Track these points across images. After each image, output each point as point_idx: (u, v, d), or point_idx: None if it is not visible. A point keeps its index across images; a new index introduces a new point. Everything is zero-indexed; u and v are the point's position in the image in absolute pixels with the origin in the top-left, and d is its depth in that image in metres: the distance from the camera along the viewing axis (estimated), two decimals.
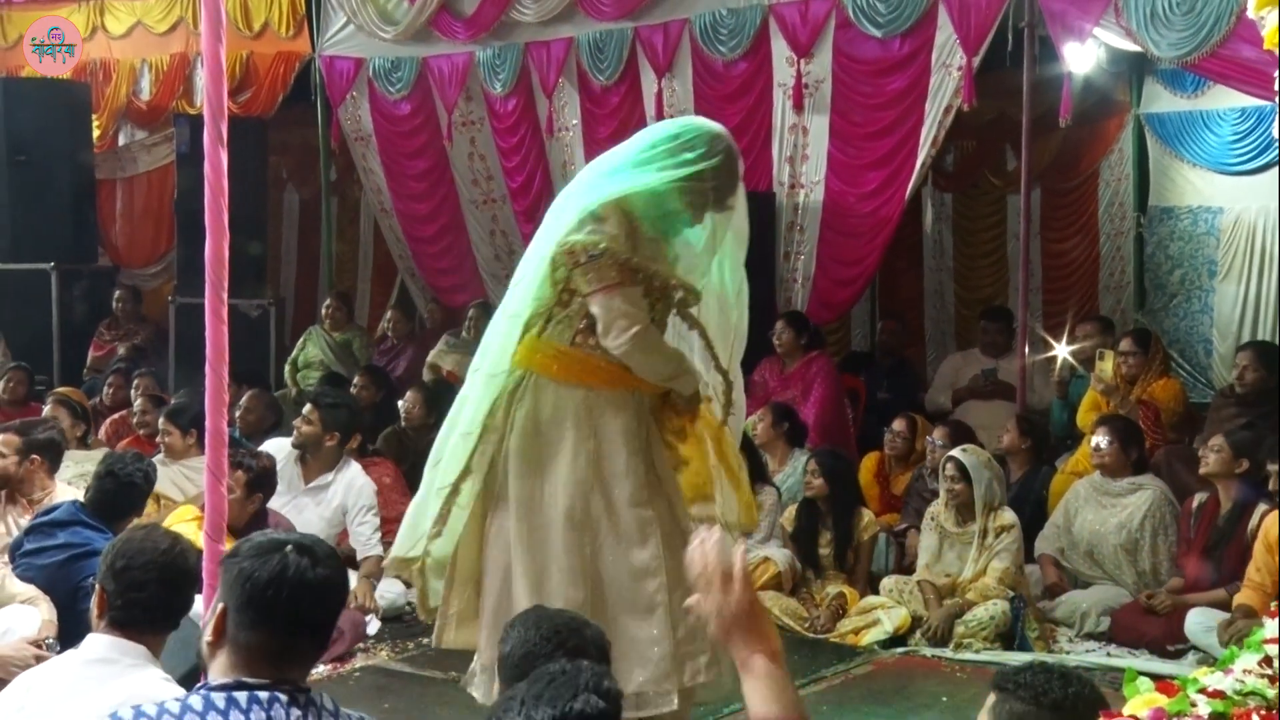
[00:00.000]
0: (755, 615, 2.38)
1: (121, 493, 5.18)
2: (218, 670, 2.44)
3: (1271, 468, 5.84)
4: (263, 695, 2.39)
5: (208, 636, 2.47)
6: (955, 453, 6.41)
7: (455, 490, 4.12)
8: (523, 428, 4.07)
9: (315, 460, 6.69)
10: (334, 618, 2.55)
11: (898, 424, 7.54)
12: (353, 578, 6.56)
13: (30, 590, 4.83)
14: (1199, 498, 6.32)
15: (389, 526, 7.06)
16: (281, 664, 2.44)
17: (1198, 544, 6.22)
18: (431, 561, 4.20)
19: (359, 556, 6.63)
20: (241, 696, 2.38)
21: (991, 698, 2.66)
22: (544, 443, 4.07)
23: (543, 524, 4.04)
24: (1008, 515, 6.34)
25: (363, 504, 6.58)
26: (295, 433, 6.74)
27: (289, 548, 2.46)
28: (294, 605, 2.42)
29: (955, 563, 6.42)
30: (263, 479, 6.05)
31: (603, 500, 4.05)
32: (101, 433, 8.18)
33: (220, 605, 2.45)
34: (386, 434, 8.19)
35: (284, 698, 2.40)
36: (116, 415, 8.29)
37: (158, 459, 6.91)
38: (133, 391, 8.56)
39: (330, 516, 6.59)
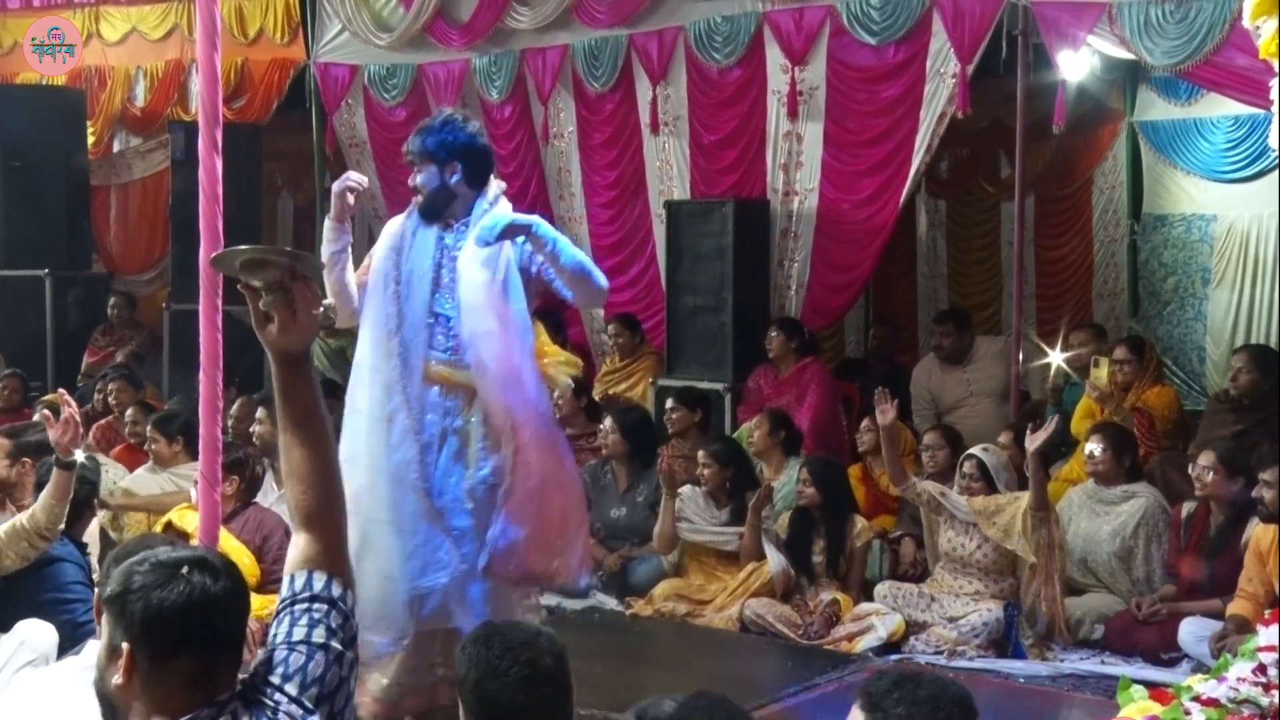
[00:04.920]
0: None
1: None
2: (139, 714, 2.32)
3: (1265, 476, 5.79)
4: (204, 713, 2.29)
5: (118, 679, 2.33)
6: (976, 451, 6.41)
7: None
8: None
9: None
10: (245, 628, 2.44)
11: (866, 421, 7.48)
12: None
13: None
14: (1188, 506, 6.30)
15: None
16: (206, 687, 2.32)
17: (1189, 552, 6.21)
18: None
19: None
20: None
21: (861, 716, 2.52)
22: None
23: None
24: None
25: None
26: (256, 438, 6.74)
27: (185, 569, 2.34)
28: (208, 628, 2.32)
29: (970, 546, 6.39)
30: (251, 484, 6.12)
31: None
32: (90, 437, 8.15)
33: (125, 647, 2.31)
34: None
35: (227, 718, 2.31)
36: (104, 420, 8.25)
37: (146, 467, 6.92)
38: (115, 397, 8.48)
39: None
